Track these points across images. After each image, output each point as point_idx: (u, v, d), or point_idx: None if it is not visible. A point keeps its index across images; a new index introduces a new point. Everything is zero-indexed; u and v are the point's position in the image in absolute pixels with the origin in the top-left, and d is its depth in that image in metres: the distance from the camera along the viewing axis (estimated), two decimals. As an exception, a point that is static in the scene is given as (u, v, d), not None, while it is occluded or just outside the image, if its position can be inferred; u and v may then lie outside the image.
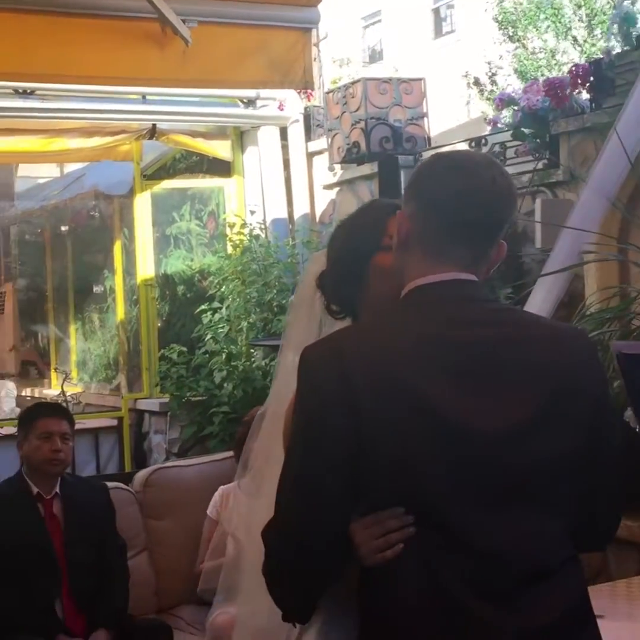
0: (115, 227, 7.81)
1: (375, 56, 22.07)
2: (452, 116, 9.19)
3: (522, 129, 4.52)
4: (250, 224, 6.32)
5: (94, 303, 8.48)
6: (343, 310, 2.16)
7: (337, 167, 6.21)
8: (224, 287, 6.12)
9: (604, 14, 12.01)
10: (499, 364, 1.69)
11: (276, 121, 6.56)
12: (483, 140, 4.88)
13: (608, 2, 12.14)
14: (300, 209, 6.58)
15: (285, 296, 5.82)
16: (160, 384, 6.49)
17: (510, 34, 10.59)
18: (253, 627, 2.31)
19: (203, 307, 6.19)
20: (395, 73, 7.39)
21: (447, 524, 1.64)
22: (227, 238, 6.33)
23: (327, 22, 5.31)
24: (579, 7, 12.12)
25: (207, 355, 6.09)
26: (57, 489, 3.86)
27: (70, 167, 9.08)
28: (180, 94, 6.09)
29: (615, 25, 4.38)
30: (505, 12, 10.40)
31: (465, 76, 9.36)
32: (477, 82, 8.86)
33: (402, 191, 1.88)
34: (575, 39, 11.21)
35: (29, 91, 5.79)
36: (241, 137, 6.72)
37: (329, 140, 6.10)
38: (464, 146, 4.99)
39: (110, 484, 4.25)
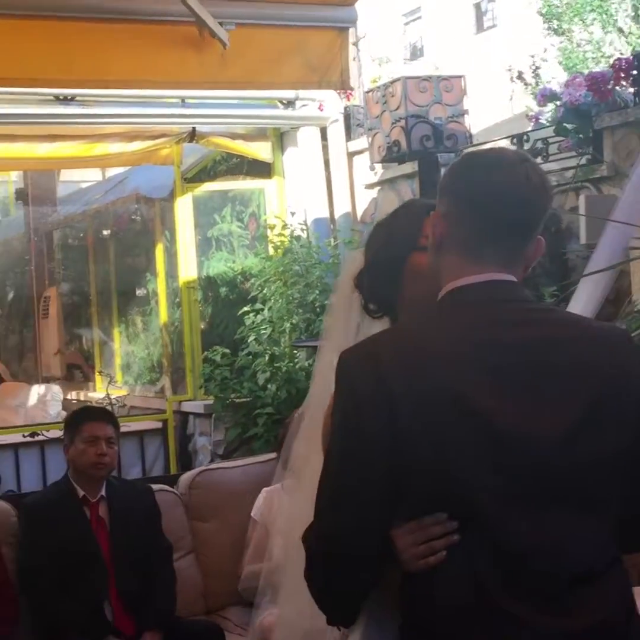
0: (156, 230, 7.84)
1: (416, 53, 21.98)
2: (495, 112, 9.11)
3: (565, 124, 4.46)
4: (291, 225, 6.31)
5: (137, 306, 8.53)
6: (380, 309, 2.14)
7: (378, 166, 6.18)
8: (265, 288, 6.12)
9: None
10: (540, 365, 1.66)
11: (316, 121, 6.54)
12: (525, 137, 4.83)
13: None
14: (342, 208, 6.56)
15: (327, 297, 5.79)
16: (204, 386, 6.50)
17: (555, 26, 10.46)
18: (297, 629, 2.31)
19: (245, 308, 6.20)
20: (436, 71, 7.33)
21: (489, 527, 1.62)
22: (268, 240, 6.33)
23: (366, 20, 5.28)
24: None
25: (251, 357, 6.09)
26: (103, 492, 3.91)
27: (112, 171, 9.14)
28: (219, 96, 6.11)
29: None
30: (549, 5, 10.28)
31: (509, 70, 9.26)
32: (520, 76, 8.76)
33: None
34: (621, 30, 11.05)
35: (69, 97, 5.83)
36: (281, 138, 6.72)
37: (370, 139, 6.08)
38: (505, 143, 4.94)
39: (155, 487, 4.28)
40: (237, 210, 7.17)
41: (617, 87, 4.45)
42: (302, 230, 6.33)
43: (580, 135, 4.45)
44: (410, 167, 5.76)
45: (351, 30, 4.71)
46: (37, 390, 8.94)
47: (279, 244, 6.20)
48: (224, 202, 7.20)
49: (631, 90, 4.47)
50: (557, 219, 4.47)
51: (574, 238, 4.53)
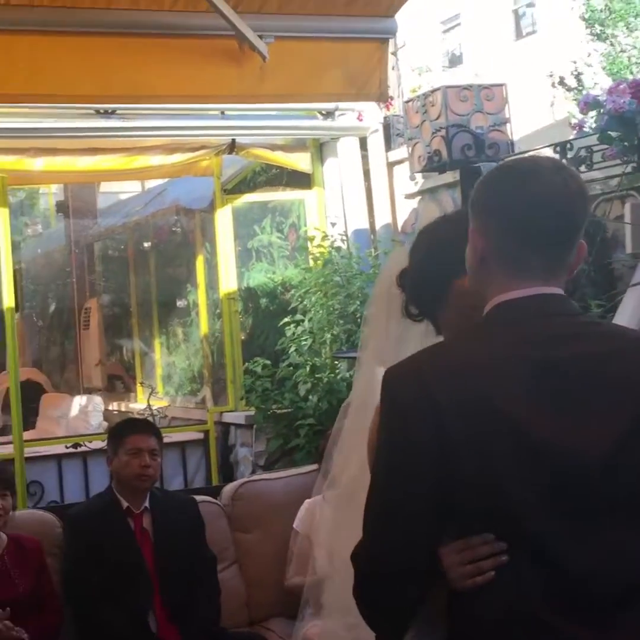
0: (197, 241, 7.87)
1: (455, 60, 21.91)
2: (536, 119, 9.03)
3: (609, 132, 4.40)
4: (332, 236, 6.31)
5: (178, 317, 8.56)
6: (422, 314, 2.12)
7: (419, 176, 6.15)
8: (306, 299, 6.12)
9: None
10: (587, 381, 1.65)
11: (355, 132, 6.53)
12: (568, 145, 4.78)
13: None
14: (382, 219, 6.54)
15: (368, 307, 5.78)
16: (245, 397, 6.51)
17: (598, 31, 10.35)
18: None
19: (286, 319, 6.20)
20: (476, 79, 7.29)
21: (537, 544, 1.60)
22: (308, 251, 6.33)
23: (405, 29, 5.25)
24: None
25: (291, 368, 6.08)
26: (147, 504, 3.94)
27: (151, 183, 9.20)
28: (258, 108, 6.11)
29: None
30: (592, 10, 10.17)
31: (550, 76, 9.18)
32: (562, 82, 8.68)
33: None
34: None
35: (110, 111, 5.87)
36: (320, 148, 6.71)
37: (410, 149, 6.05)
38: (548, 151, 4.89)
39: (198, 498, 4.30)
40: (277, 221, 7.17)
41: (662, 94, 4.38)
42: (343, 240, 6.32)
43: (625, 143, 4.38)
44: (451, 176, 5.73)
45: (391, 40, 4.71)
46: (78, 401, 9.02)
47: (318, 255, 6.20)
48: (263, 213, 7.21)
49: (676, 97, 4.40)
50: (602, 227, 4.42)
51: (619, 247, 4.47)
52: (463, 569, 1.63)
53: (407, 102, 6.10)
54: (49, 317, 10.88)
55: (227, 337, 6.85)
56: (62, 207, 10.33)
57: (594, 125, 4.81)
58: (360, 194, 6.59)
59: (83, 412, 8.72)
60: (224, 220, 6.87)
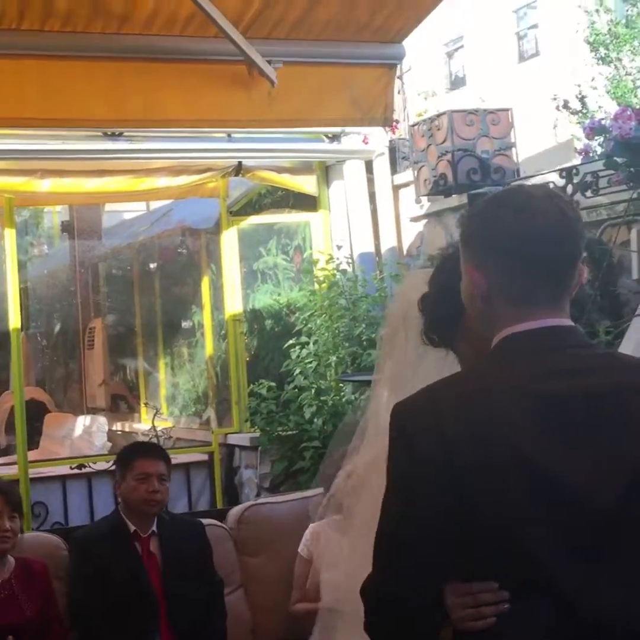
0: (202, 262, 7.89)
1: (458, 82, 21.96)
2: (538, 140, 9.05)
3: (615, 158, 4.43)
4: (337, 259, 6.32)
5: (183, 338, 8.57)
6: (441, 341, 2.12)
7: (424, 199, 6.18)
8: (311, 322, 6.13)
9: None
10: (596, 416, 1.63)
11: (361, 155, 6.57)
12: (574, 170, 4.80)
13: None
14: (388, 242, 6.57)
15: (374, 330, 5.79)
16: (250, 419, 6.51)
17: (602, 55, 10.37)
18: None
19: (291, 342, 6.21)
20: (482, 103, 7.32)
21: (552, 585, 1.58)
22: (313, 274, 6.34)
23: (409, 52, 5.27)
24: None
25: (297, 390, 6.09)
26: (154, 528, 3.89)
27: (157, 203, 9.22)
28: (264, 131, 6.14)
29: None
30: (597, 34, 10.20)
31: (554, 99, 9.21)
32: (566, 105, 8.71)
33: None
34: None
35: (117, 133, 5.90)
36: (326, 171, 6.75)
37: (415, 172, 6.08)
38: (554, 176, 4.92)
39: (204, 521, 4.27)
40: (282, 243, 7.20)
41: (668, 121, 4.41)
42: (348, 263, 6.33)
43: (631, 169, 4.41)
44: (457, 200, 5.76)
45: (398, 66, 4.73)
46: (82, 422, 9.01)
47: (322, 278, 6.21)
48: (269, 235, 7.24)
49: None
50: (608, 253, 4.43)
51: (625, 272, 4.49)
52: (464, 612, 1.62)
53: (413, 125, 6.14)
54: (53, 336, 10.89)
55: (232, 358, 6.86)
56: (67, 227, 10.35)
57: (599, 150, 4.84)
58: (366, 216, 6.62)
59: (87, 432, 8.72)
60: (229, 241, 6.89)
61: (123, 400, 9.79)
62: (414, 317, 2.20)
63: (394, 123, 6.22)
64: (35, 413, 9.42)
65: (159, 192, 6.72)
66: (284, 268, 7.16)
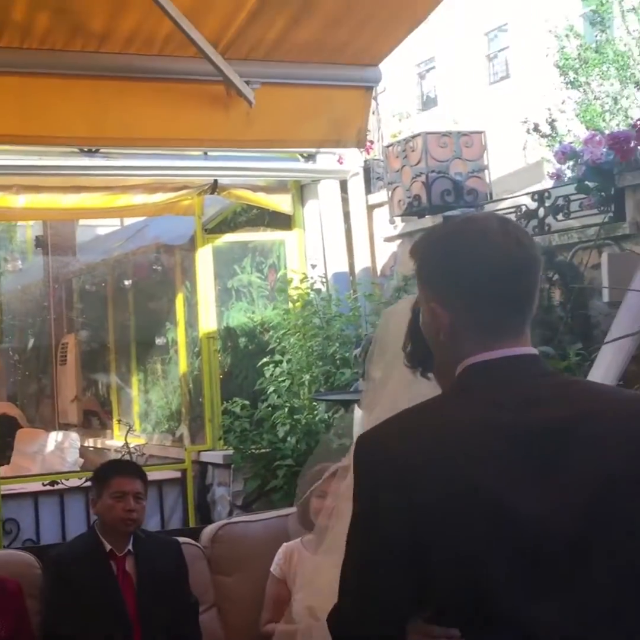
0: (177, 279, 7.90)
1: (429, 102, 22.15)
2: (508, 161, 9.17)
3: (586, 182, 4.49)
4: (311, 277, 6.35)
5: (157, 355, 8.56)
6: (421, 367, 2.12)
7: (398, 219, 6.23)
8: (284, 341, 6.15)
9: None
10: (554, 445, 1.62)
11: (336, 175, 6.61)
12: (546, 194, 4.87)
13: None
14: (362, 261, 6.61)
15: (347, 349, 5.83)
16: (223, 437, 6.51)
17: (571, 79, 10.55)
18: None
19: (265, 360, 6.23)
20: (455, 126, 7.40)
21: (511, 621, 1.57)
22: (286, 293, 6.37)
23: (383, 73, 5.33)
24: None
25: (270, 409, 6.10)
26: (130, 547, 3.85)
27: (132, 219, 9.23)
28: (240, 149, 6.17)
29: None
30: (566, 58, 10.37)
31: (525, 122, 9.34)
32: (536, 129, 8.84)
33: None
34: (638, 83, 11.12)
35: (94, 150, 5.91)
36: (301, 190, 6.79)
37: (390, 193, 6.13)
38: (526, 200, 4.98)
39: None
40: (257, 261, 7.22)
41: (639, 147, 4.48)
42: (322, 282, 6.37)
43: (602, 194, 4.47)
44: (431, 221, 5.81)
45: (374, 88, 4.78)
46: (54, 437, 8.96)
47: (296, 297, 6.24)
48: (244, 253, 7.26)
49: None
50: (580, 276, 4.49)
51: (596, 295, 4.55)
52: None
53: (388, 146, 6.19)
54: (26, 351, 10.84)
55: (206, 376, 6.87)
56: (41, 242, 10.32)
57: (570, 174, 4.91)
58: (340, 236, 6.66)
59: (59, 448, 8.67)
60: (204, 259, 6.92)
61: (95, 417, 9.75)
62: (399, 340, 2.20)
63: (369, 143, 6.28)
64: (7, 428, 9.38)
65: (135, 208, 6.73)
66: (258, 286, 7.18)
